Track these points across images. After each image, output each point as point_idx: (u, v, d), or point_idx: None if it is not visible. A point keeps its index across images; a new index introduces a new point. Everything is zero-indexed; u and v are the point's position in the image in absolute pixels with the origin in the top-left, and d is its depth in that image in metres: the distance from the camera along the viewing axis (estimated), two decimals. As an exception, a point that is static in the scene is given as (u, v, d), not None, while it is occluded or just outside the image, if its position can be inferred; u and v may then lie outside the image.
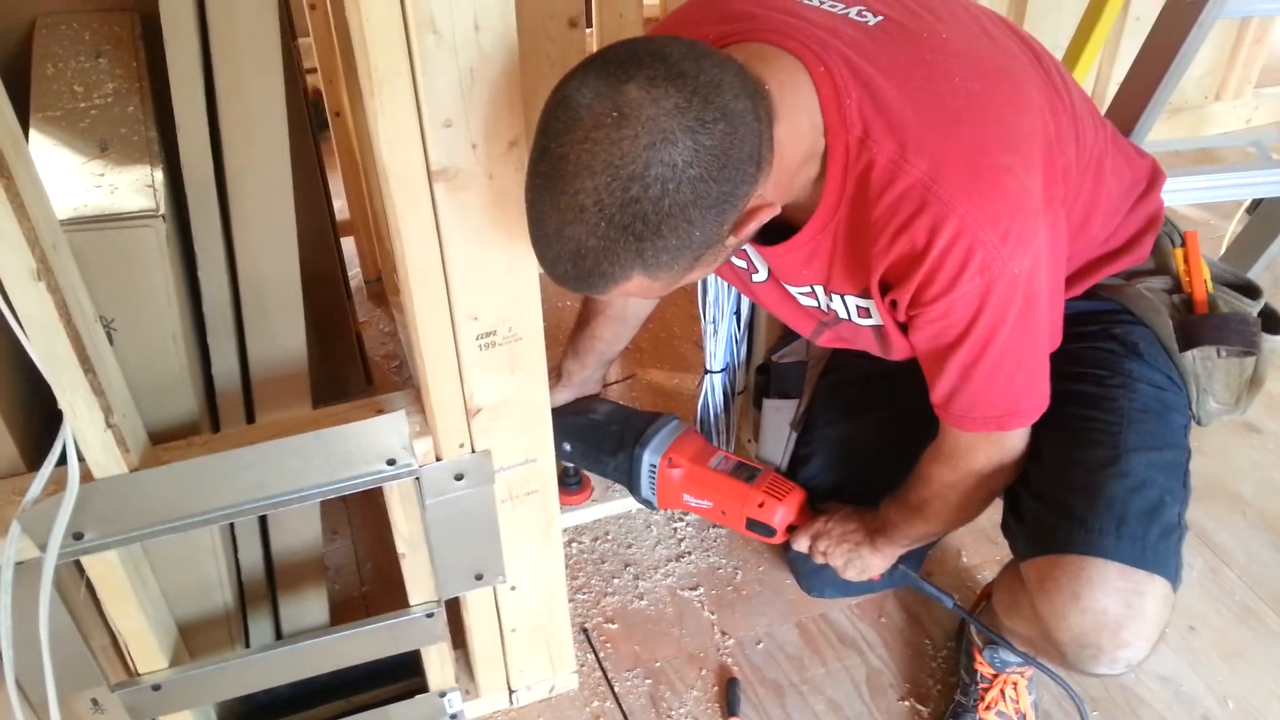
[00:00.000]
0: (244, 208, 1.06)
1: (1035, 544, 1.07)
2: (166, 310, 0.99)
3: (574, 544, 1.62)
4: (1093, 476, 1.05)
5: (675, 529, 1.64)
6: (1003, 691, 1.34)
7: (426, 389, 1.03)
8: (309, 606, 1.37)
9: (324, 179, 1.68)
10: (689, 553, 1.60)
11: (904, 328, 1.01)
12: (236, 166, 1.06)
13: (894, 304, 0.97)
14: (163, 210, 0.95)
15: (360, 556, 1.59)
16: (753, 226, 0.86)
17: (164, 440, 1.04)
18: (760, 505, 1.31)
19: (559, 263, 0.83)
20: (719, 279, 1.48)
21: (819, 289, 1.05)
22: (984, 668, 1.34)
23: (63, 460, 0.93)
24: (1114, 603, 0.99)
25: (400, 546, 1.15)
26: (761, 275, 1.11)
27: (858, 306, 1.03)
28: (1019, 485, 1.18)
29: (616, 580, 1.56)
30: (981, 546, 1.60)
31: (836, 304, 1.05)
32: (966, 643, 1.39)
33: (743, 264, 1.12)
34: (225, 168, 1.06)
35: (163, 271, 0.97)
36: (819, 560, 1.30)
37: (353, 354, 1.87)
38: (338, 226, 1.81)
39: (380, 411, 1.07)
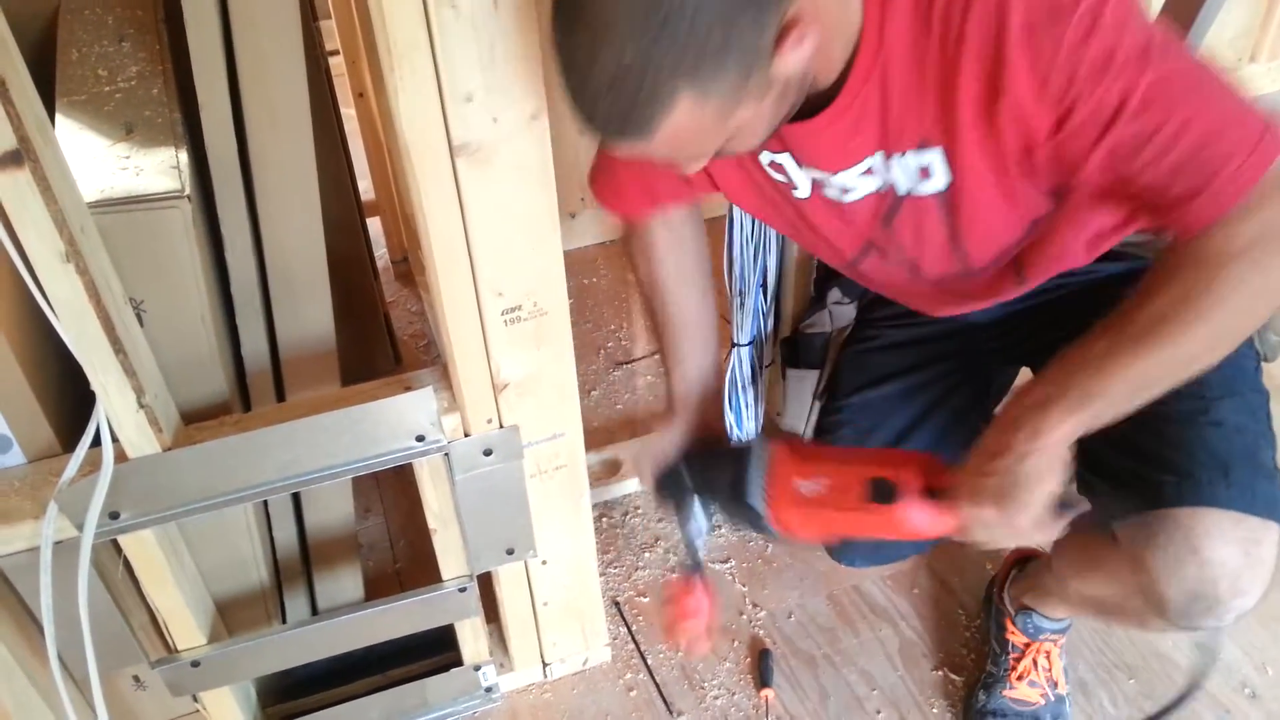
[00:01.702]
0: (268, 188, 1.06)
1: (1136, 501, 1.05)
2: (195, 291, 1.00)
3: (604, 519, 1.62)
4: (1186, 428, 1.03)
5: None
6: (1035, 660, 1.33)
7: (453, 365, 1.04)
8: (344, 583, 1.38)
9: (348, 160, 1.68)
10: (719, 526, 1.60)
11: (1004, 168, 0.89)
12: (260, 147, 1.06)
13: (1004, 129, 0.85)
14: (188, 191, 0.95)
15: (393, 534, 1.61)
16: (797, 52, 0.78)
17: (196, 420, 1.05)
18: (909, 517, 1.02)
19: (599, 100, 0.75)
20: (744, 249, 1.47)
21: (874, 159, 0.95)
22: (1016, 636, 1.34)
23: (97, 441, 0.94)
24: (1233, 553, 0.98)
25: (431, 522, 1.16)
26: (804, 190, 1.04)
27: (919, 168, 0.92)
28: (1099, 443, 1.16)
29: (647, 554, 1.56)
30: (1014, 515, 1.59)
31: (896, 173, 0.94)
32: (996, 611, 1.39)
33: (782, 178, 1.05)
34: (249, 149, 1.07)
35: (190, 252, 0.98)
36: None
37: (381, 334, 1.88)
38: (363, 207, 1.81)
39: (408, 388, 1.07)
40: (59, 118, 1.05)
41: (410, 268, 2.17)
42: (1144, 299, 0.84)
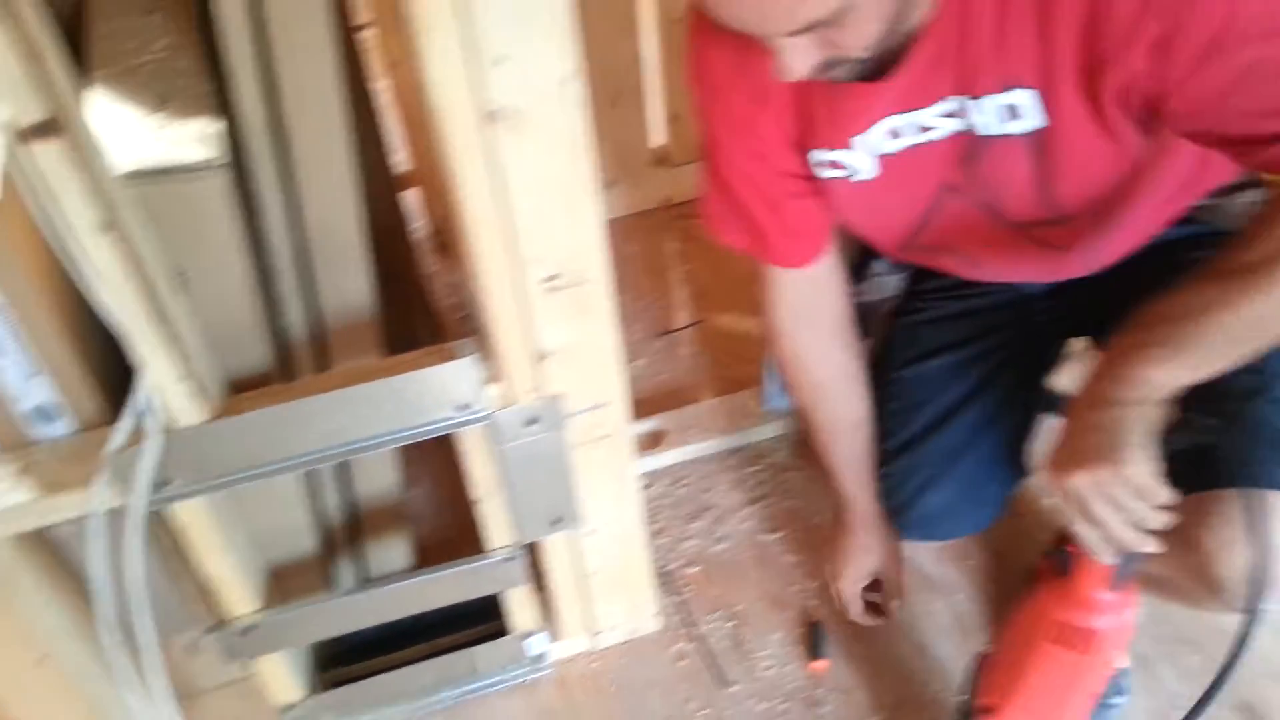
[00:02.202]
0: (303, 158, 1.06)
1: (1188, 481, 1.02)
2: (236, 259, 1.01)
3: (651, 488, 1.62)
4: (1243, 406, 1.00)
5: (752, 472, 1.62)
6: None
7: (495, 335, 1.03)
8: (393, 551, 1.39)
9: (383, 133, 1.67)
10: (767, 495, 1.58)
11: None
12: (292, 117, 1.06)
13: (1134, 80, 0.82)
14: (222, 160, 0.95)
15: (441, 504, 1.61)
16: None
17: (241, 389, 1.06)
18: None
19: None
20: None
21: (953, 102, 0.93)
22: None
23: (144, 411, 0.95)
24: None
25: (474, 492, 1.16)
26: (867, 170, 1.03)
27: (1005, 107, 0.90)
28: None
29: (695, 524, 1.55)
30: (1072, 484, 1.55)
31: (978, 116, 0.92)
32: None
33: (840, 173, 1.06)
34: (282, 119, 1.07)
35: (230, 220, 0.98)
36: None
37: (420, 305, 1.89)
38: (399, 180, 1.81)
39: (450, 358, 1.07)
40: (93, 90, 1.05)
41: (446, 239, 2.17)
42: (1247, 243, 0.81)
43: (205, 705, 1.31)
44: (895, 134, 0.99)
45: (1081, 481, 0.85)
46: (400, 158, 2.03)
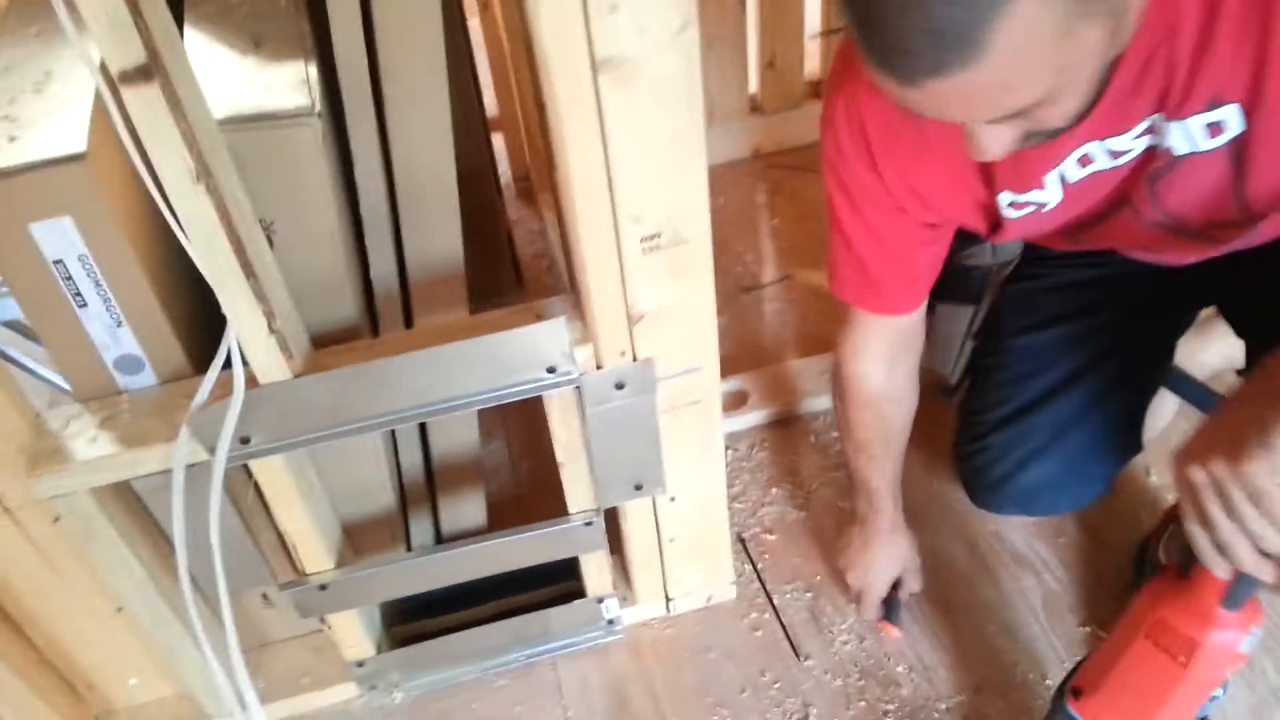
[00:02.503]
0: (399, 103, 1.01)
1: None
2: (325, 211, 0.96)
3: (730, 451, 1.57)
4: None
5: (834, 438, 1.57)
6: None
7: (588, 295, 0.99)
8: (467, 509, 1.37)
9: (475, 74, 1.63)
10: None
11: None
12: (390, 60, 1.01)
13: None
14: (318, 108, 0.91)
15: (515, 459, 1.59)
16: None
17: (325, 344, 1.02)
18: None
19: (912, 12, 0.62)
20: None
21: (1153, 119, 0.85)
22: (1176, 596, 1.24)
23: (228, 365, 0.92)
24: None
25: (560, 455, 1.12)
26: (1053, 196, 0.95)
27: (1208, 125, 0.82)
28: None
29: (774, 490, 1.51)
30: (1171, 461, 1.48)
31: (1175, 138, 0.84)
32: (1151, 569, 1.29)
33: (1025, 211, 0.97)
34: (379, 62, 1.02)
35: (320, 171, 0.94)
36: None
37: (504, 253, 1.85)
38: (488, 123, 1.76)
39: (539, 317, 1.03)
40: (187, 31, 1.01)
41: (532, 186, 2.12)
42: None
43: (277, 655, 1.30)
44: (1086, 160, 0.90)
45: (1202, 475, 0.78)
46: (488, 99, 1.97)
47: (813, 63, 2.15)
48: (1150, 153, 0.87)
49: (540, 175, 2.05)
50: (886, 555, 1.31)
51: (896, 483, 1.29)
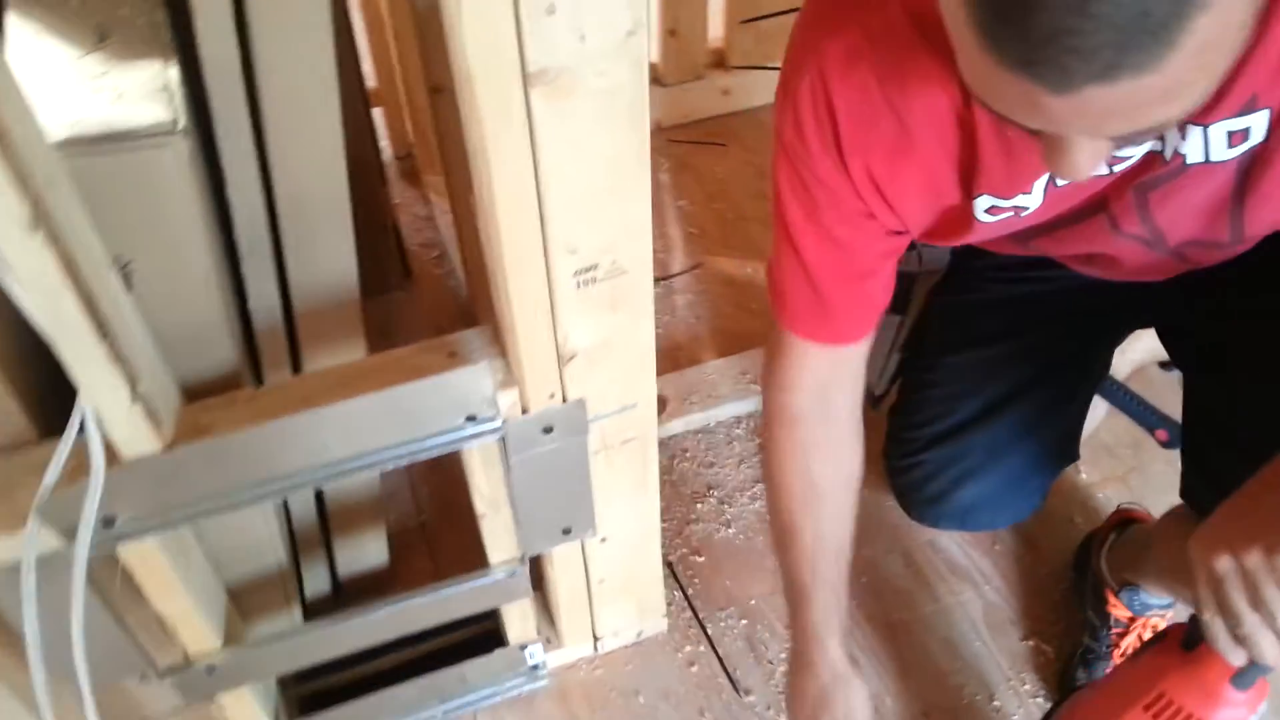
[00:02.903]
0: (279, 104, 0.85)
1: None
2: (194, 244, 0.80)
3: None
4: None
5: (759, 445, 1.48)
6: (1140, 636, 1.20)
7: (513, 333, 0.85)
8: (367, 548, 1.23)
9: (353, 44, 1.45)
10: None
11: None
12: (268, 53, 0.84)
13: None
14: (182, 122, 0.74)
15: (415, 481, 1.44)
16: None
17: (199, 396, 0.86)
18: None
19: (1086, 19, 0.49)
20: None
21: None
22: (1118, 610, 1.20)
23: (83, 430, 0.76)
24: None
25: (479, 506, 0.99)
26: (1034, 205, 0.84)
27: (1232, 132, 0.73)
28: (1203, 435, 1.01)
29: (700, 505, 1.41)
30: (1101, 460, 1.44)
31: (1193, 144, 0.74)
32: (1094, 581, 1.25)
33: (1003, 216, 0.86)
34: (253, 56, 0.85)
35: (187, 198, 0.78)
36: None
37: (389, 245, 1.68)
38: (368, 99, 1.59)
39: (453, 356, 0.89)
40: (11, 21, 0.82)
41: (416, 165, 1.95)
42: None
43: (157, 731, 1.14)
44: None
45: (1230, 565, 0.72)
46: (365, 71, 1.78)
47: (715, 28, 2.03)
48: (1149, 159, 0.78)
49: (426, 155, 1.89)
50: (836, 704, 0.97)
51: (843, 604, 0.99)
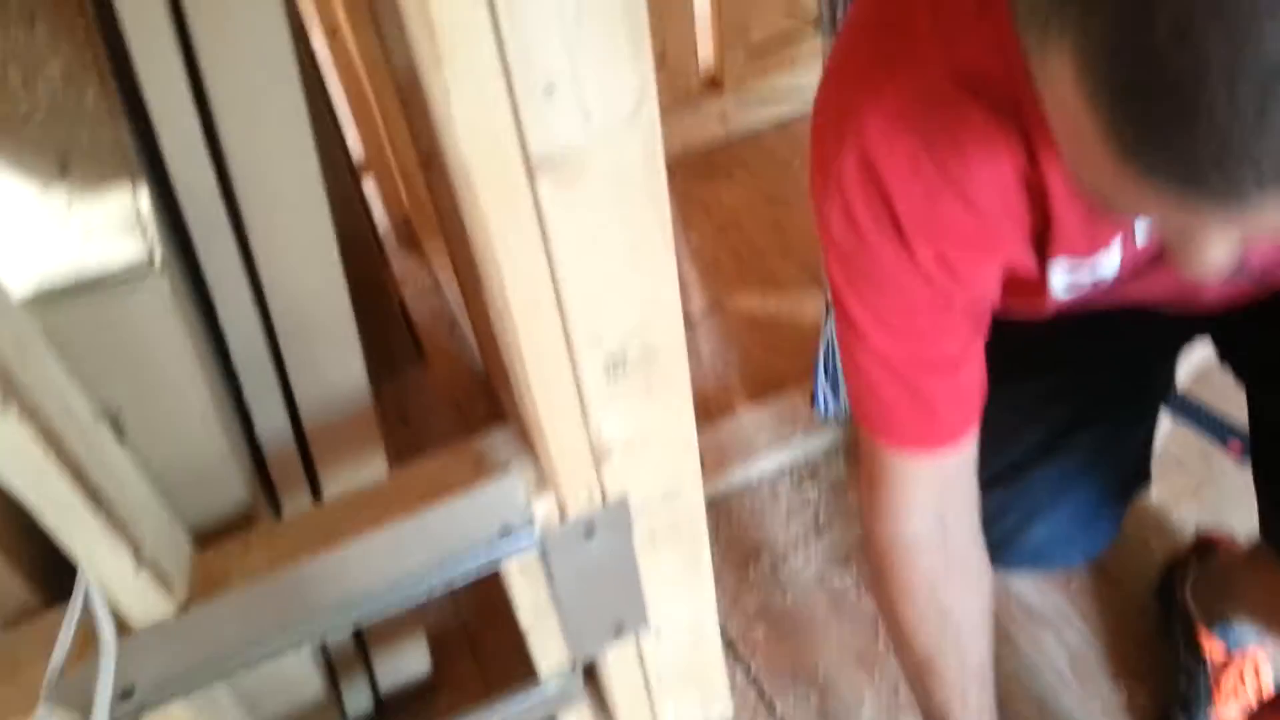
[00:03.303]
0: (263, 217, 0.78)
1: None
2: (187, 380, 0.74)
3: (694, 529, 1.39)
4: None
5: (807, 498, 1.40)
6: (1241, 674, 1.11)
7: (542, 435, 0.78)
8: (407, 658, 1.16)
9: (333, 115, 1.38)
10: (829, 524, 1.36)
11: None
12: (242, 154, 0.78)
13: None
14: (159, 256, 0.68)
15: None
16: None
17: (213, 540, 0.79)
18: None
19: (1262, 118, 0.40)
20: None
21: None
22: (1213, 647, 1.12)
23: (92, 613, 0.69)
24: None
25: (524, 621, 0.92)
26: (1110, 269, 0.76)
27: None
28: (1278, 464, 0.92)
29: (752, 570, 1.33)
30: (1170, 475, 1.36)
31: None
32: (1182, 616, 1.16)
33: (1080, 278, 0.78)
34: (229, 170, 0.78)
35: (173, 334, 0.71)
36: None
37: (397, 323, 1.62)
38: (356, 169, 1.52)
39: (480, 463, 0.82)
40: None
41: (415, 230, 1.88)
42: None
43: None
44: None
45: None
46: (350, 140, 1.73)
47: (705, 50, 1.96)
48: None
49: (424, 220, 1.82)
50: None
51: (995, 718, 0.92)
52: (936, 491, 0.85)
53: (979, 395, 0.84)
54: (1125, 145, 0.44)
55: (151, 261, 0.66)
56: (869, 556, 0.91)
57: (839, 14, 1.14)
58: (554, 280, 0.69)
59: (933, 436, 0.82)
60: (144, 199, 0.71)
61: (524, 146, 0.62)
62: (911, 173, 0.68)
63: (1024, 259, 0.75)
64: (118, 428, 0.71)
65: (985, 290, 0.77)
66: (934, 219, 0.70)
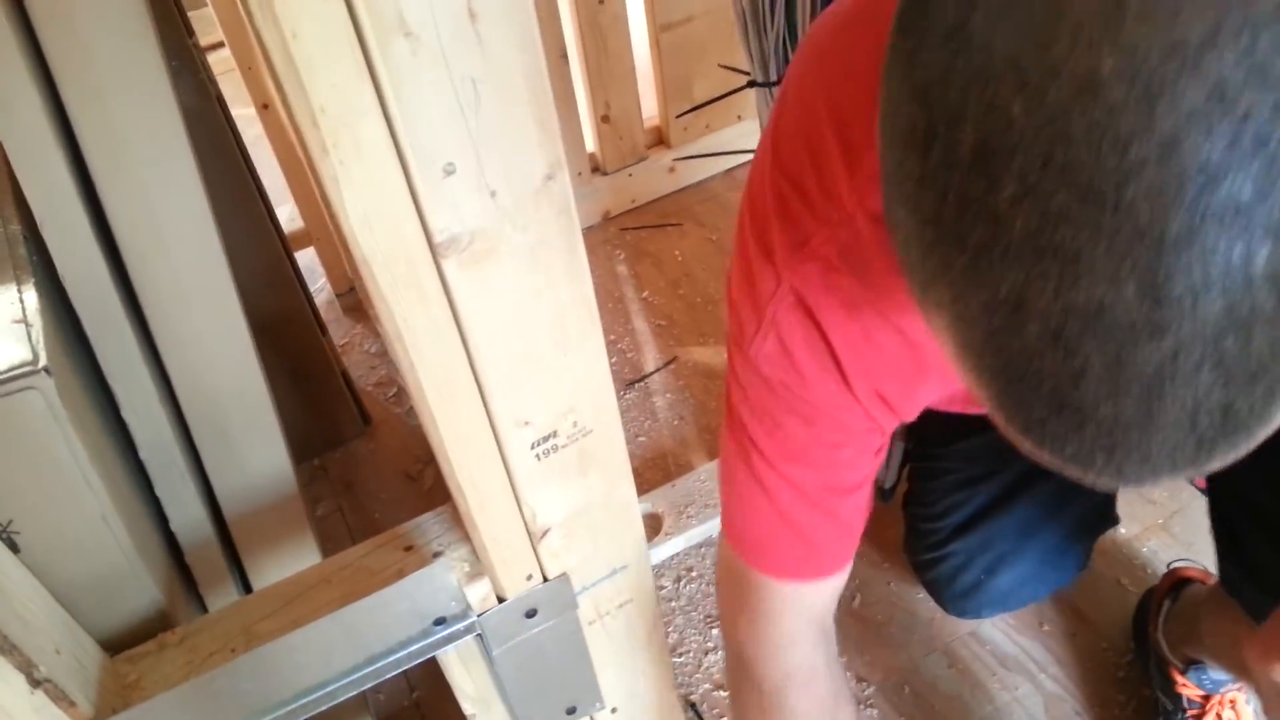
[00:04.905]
0: (161, 305, 0.74)
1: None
2: (83, 487, 0.69)
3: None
4: None
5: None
6: (1219, 715, 1.08)
7: (472, 521, 0.74)
8: (356, 744, 1.10)
9: (261, 193, 1.34)
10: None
11: None
12: (139, 250, 0.74)
13: None
14: (44, 358, 0.63)
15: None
16: None
17: (127, 644, 0.75)
18: None
19: (1169, 448, 0.37)
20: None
21: None
22: (1189, 690, 1.08)
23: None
24: None
25: (468, 709, 0.87)
26: None
27: None
28: (1233, 513, 0.90)
29: (715, 630, 1.29)
30: (1138, 510, 1.33)
31: None
32: (1158, 660, 1.13)
33: None
34: (119, 246, 0.75)
35: (64, 438, 0.67)
36: None
37: (341, 394, 1.56)
38: (289, 244, 1.48)
39: (410, 550, 0.78)
40: None
41: (360, 299, 1.84)
42: None
43: None
44: None
45: None
46: (286, 211, 1.69)
47: (650, 106, 1.94)
48: None
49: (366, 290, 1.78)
50: None
51: None
52: (821, 612, 0.83)
53: (865, 519, 0.80)
54: (1014, 425, 0.41)
55: (35, 363, 0.62)
56: (748, 696, 0.87)
57: (771, 70, 1.12)
58: (471, 364, 0.65)
59: (821, 568, 0.80)
60: (29, 296, 0.67)
61: (426, 229, 0.58)
62: (848, 315, 0.66)
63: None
64: (11, 543, 0.66)
65: (916, 409, 0.74)
66: (872, 356, 0.67)
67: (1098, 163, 0.32)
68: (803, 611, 0.82)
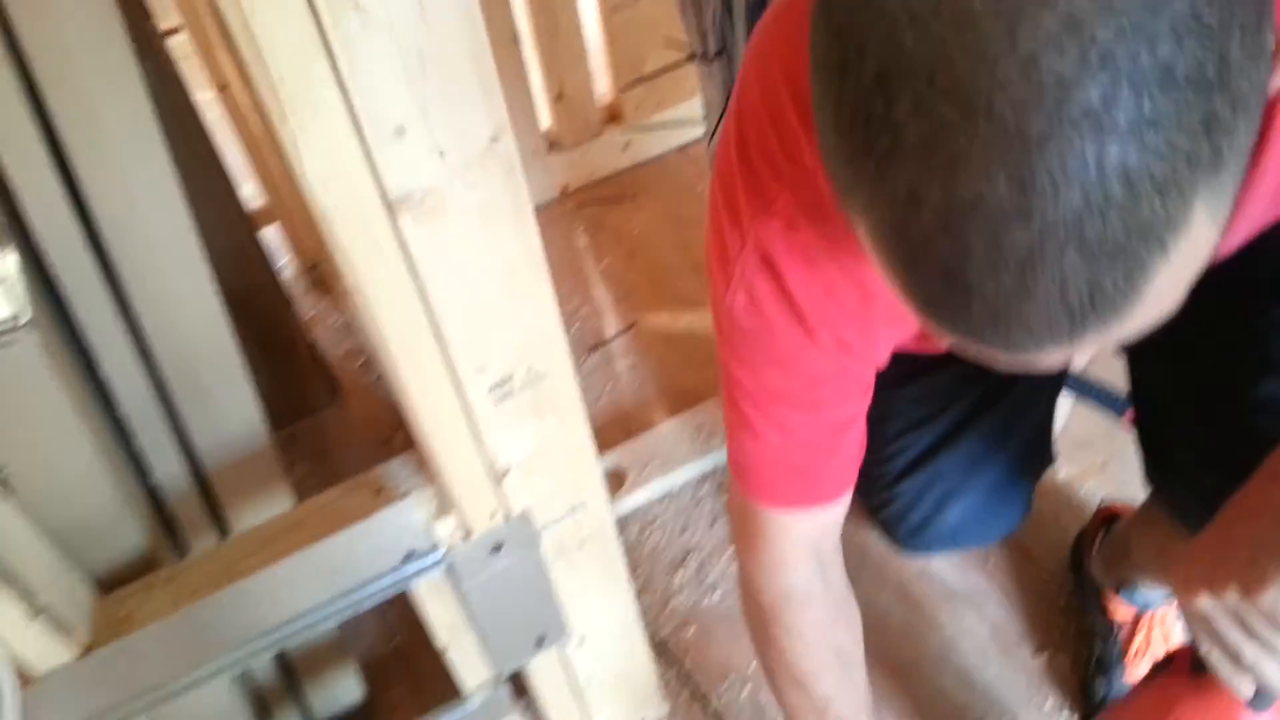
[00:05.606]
0: (135, 267, 0.80)
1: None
2: (68, 436, 0.75)
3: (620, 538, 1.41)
4: None
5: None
6: (1149, 633, 1.15)
7: (438, 462, 0.80)
8: (339, 688, 1.17)
9: (221, 170, 1.38)
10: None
11: None
12: (110, 214, 0.79)
13: None
14: (26, 315, 0.69)
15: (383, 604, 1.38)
16: None
17: (117, 583, 0.80)
18: None
19: (1048, 309, 0.43)
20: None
21: None
22: (1120, 610, 1.16)
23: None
24: None
25: (440, 640, 0.93)
26: None
27: None
28: (1151, 417, 0.96)
29: (680, 574, 1.36)
30: (1076, 454, 1.40)
31: None
32: (1092, 589, 1.20)
33: None
34: (93, 220, 0.80)
35: (49, 389, 0.72)
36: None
37: (307, 364, 1.61)
38: (253, 220, 1.53)
39: (380, 492, 0.84)
40: None
41: (324, 275, 1.89)
42: None
43: None
44: None
45: (1211, 605, 0.67)
46: (248, 189, 1.73)
47: (602, 84, 1.99)
48: None
49: (329, 263, 1.82)
50: None
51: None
52: (816, 540, 0.88)
53: (860, 456, 0.87)
54: (920, 306, 0.48)
55: (16, 320, 0.67)
56: (751, 612, 0.93)
57: (710, 45, 1.17)
58: (429, 313, 0.71)
59: (813, 497, 0.85)
60: (10, 261, 0.72)
61: (381, 187, 0.64)
62: (809, 269, 0.71)
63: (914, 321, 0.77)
64: (3, 483, 0.72)
65: (879, 359, 0.81)
66: (832, 306, 0.73)
67: (973, 80, 0.40)
68: (798, 538, 0.87)
